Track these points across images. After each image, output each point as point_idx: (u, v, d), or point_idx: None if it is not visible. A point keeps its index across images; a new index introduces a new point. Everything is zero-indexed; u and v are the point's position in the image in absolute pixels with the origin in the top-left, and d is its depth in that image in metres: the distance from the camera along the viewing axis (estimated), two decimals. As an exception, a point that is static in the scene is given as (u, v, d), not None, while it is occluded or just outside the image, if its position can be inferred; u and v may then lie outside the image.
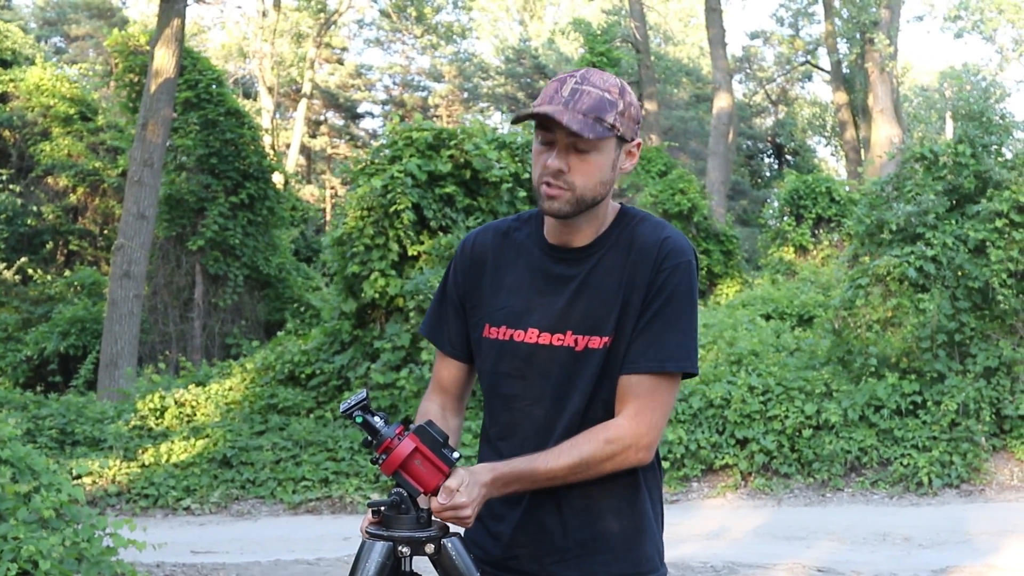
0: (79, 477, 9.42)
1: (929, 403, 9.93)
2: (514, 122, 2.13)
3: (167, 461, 9.99)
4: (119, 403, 11.40)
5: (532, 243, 2.25)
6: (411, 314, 10.57)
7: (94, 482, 9.64)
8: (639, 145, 2.18)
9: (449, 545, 2.09)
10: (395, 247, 10.83)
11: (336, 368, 11.26)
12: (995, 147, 10.79)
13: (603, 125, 2.05)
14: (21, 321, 16.85)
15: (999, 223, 10.19)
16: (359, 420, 2.09)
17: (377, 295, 10.80)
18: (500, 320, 2.22)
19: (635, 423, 2.10)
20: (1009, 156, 10.87)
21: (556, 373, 2.16)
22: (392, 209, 10.75)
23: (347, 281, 11.15)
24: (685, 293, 2.13)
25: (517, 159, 11.81)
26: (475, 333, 2.28)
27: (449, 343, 2.33)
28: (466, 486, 2.01)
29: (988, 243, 10.13)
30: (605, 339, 2.12)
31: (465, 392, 2.39)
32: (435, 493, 2.08)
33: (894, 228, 10.47)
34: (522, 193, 11.50)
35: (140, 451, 10.20)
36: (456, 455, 2.09)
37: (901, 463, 9.66)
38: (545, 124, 2.08)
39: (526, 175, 11.78)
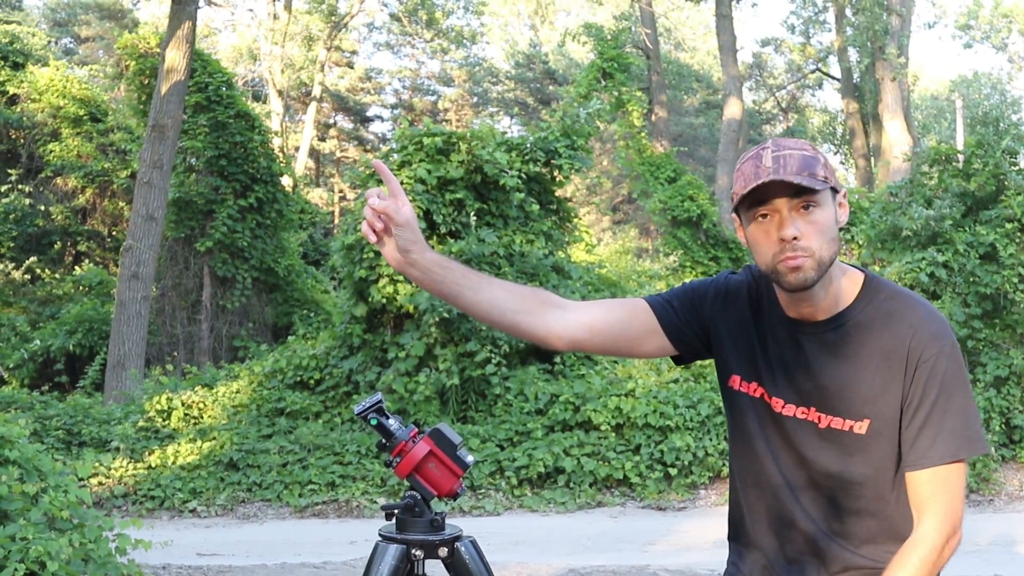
0: (82, 480, 9.40)
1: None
2: (735, 209, 2.07)
3: (173, 463, 9.97)
4: (126, 404, 11.37)
5: (774, 317, 2.21)
6: (427, 327, 10.51)
7: (100, 483, 9.63)
8: (845, 194, 2.12)
9: (462, 548, 2.07)
10: (403, 252, 10.77)
11: (345, 372, 11.23)
12: (1009, 154, 10.74)
13: (818, 179, 2.00)
14: (29, 321, 16.85)
15: (1010, 227, 10.15)
16: (374, 422, 2.08)
17: (386, 300, 10.77)
18: (752, 378, 2.22)
19: (943, 522, 2.11)
20: (1023, 165, 10.84)
21: (796, 443, 2.17)
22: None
23: (356, 285, 11.10)
24: (956, 376, 2.09)
25: (527, 160, 11.79)
26: (722, 375, 2.28)
27: (670, 312, 2.27)
28: None
29: (998, 246, 10.07)
30: (850, 423, 2.11)
31: (581, 336, 2.26)
32: (450, 495, 2.05)
33: (913, 231, 10.40)
34: (523, 198, 11.48)
35: (147, 453, 10.18)
36: (471, 458, 2.07)
37: (910, 472, 9.59)
38: (764, 197, 2.01)
39: (535, 176, 11.83)
